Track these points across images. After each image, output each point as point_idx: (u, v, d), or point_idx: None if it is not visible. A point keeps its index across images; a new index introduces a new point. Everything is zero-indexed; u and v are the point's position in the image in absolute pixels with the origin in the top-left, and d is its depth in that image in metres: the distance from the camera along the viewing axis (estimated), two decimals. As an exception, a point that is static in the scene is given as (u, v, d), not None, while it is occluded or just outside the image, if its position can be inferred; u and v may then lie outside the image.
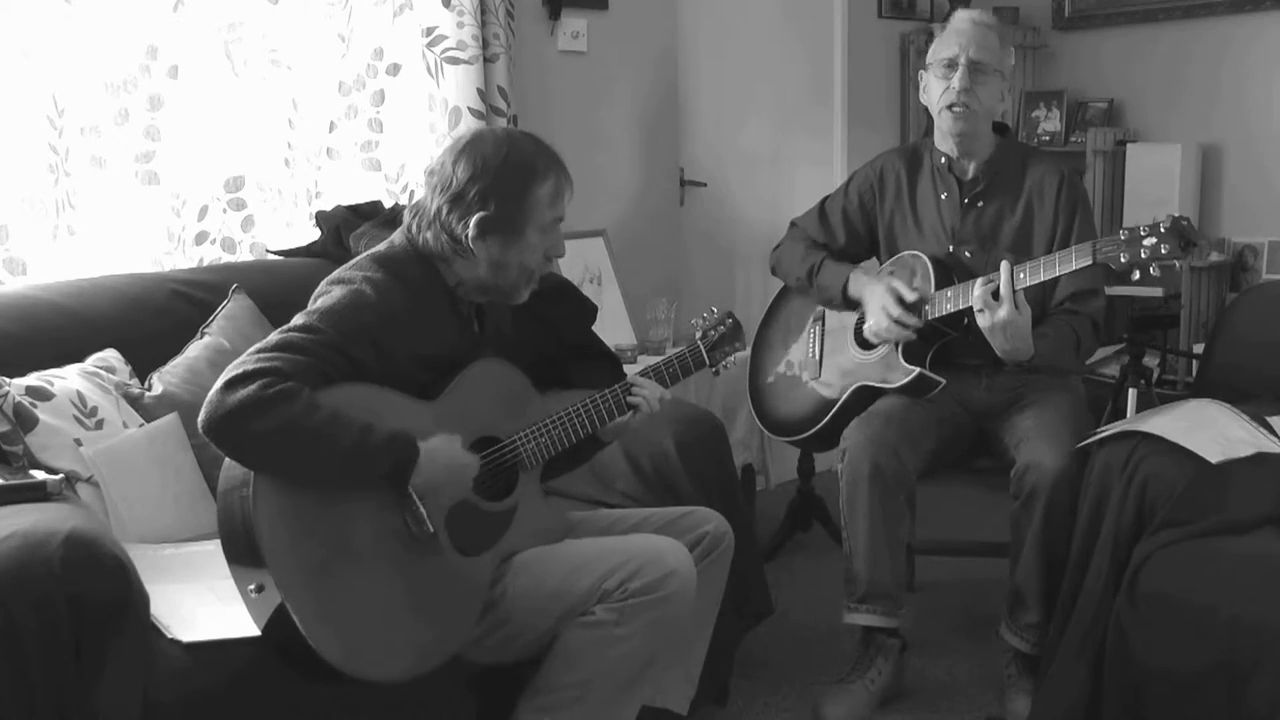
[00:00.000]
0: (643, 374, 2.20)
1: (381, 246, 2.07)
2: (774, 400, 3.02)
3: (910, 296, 2.68)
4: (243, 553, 1.79)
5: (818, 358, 2.94)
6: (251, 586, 1.77)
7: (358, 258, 2.04)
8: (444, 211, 1.99)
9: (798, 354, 3.00)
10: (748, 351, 3.16)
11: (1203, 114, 4.31)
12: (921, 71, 2.84)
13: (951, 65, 2.71)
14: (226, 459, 1.82)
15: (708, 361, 2.29)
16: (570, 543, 2.10)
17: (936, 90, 2.75)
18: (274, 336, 1.86)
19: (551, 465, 2.18)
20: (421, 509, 1.86)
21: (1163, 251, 2.33)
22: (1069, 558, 2.48)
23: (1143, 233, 2.36)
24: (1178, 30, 4.37)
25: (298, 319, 1.90)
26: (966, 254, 2.79)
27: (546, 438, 2.07)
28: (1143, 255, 2.35)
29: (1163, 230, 2.34)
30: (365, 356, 1.89)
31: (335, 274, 2.00)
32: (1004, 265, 2.50)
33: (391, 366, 1.92)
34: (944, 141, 2.81)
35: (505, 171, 1.99)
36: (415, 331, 1.97)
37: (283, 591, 1.73)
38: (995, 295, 2.49)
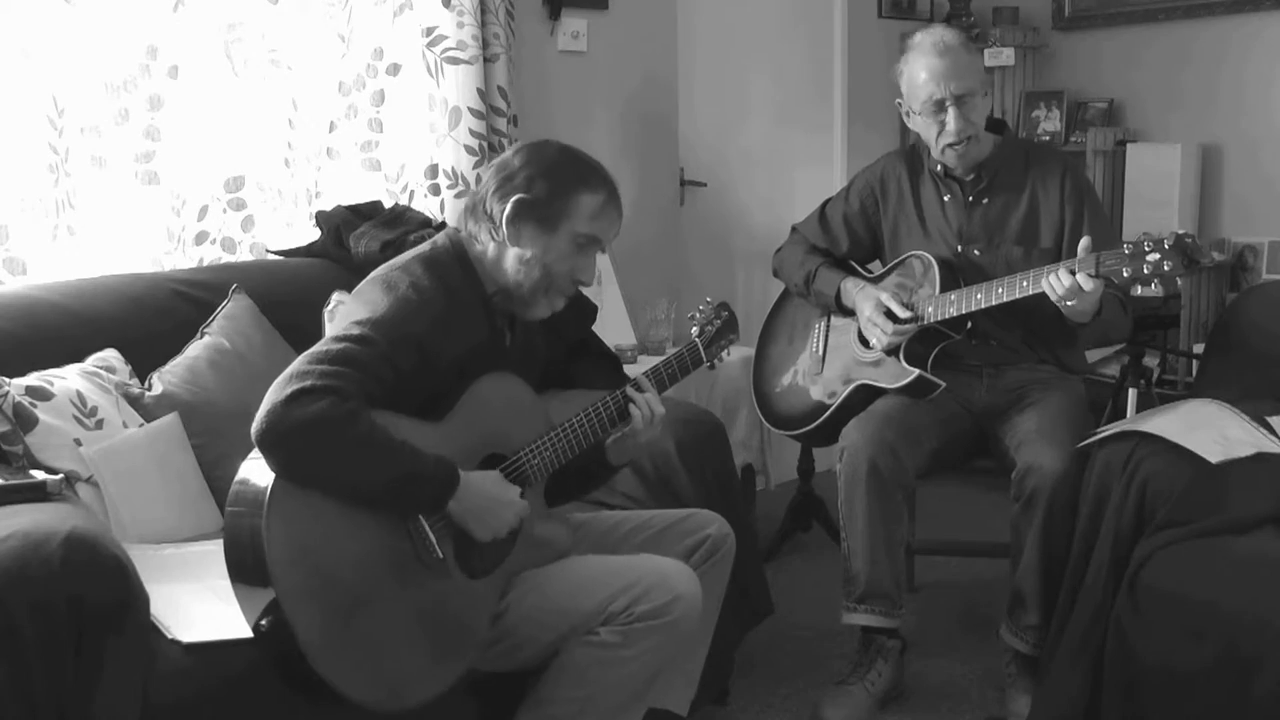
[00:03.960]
0: (645, 374, 2.18)
1: (425, 247, 2.08)
2: (776, 395, 3.03)
3: (903, 314, 2.68)
4: (250, 576, 1.76)
5: (820, 354, 2.94)
6: (263, 621, 1.75)
7: (404, 258, 2.04)
8: (491, 190, 2.02)
9: (802, 350, 3.00)
10: (751, 351, 3.17)
11: (1202, 114, 4.30)
12: (899, 100, 2.80)
13: (940, 107, 2.68)
14: (240, 477, 1.80)
15: (705, 358, 2.28)
16: (577, 560, 2.09)
17: (931, 131, 2.72)
18: (333, 346, 1.84)
19: (564, 489, 2.18)
20: (431, 535, 1.86)
21: (1165, 268, 2.33)
22: (1069, 559, 2.48)
23: (1147, 248, 2.35)
24: (1177, 30, 4.36)
25: (352, 327, 1.88)
26: (976, 252, 2.79)
27: (551, 451, 2.05)
28: (1145, 270, 2.35)
29: (1166, 247, 2.34)
30: (409, 365, 1.88)
31: (381, 275, 2.00)
32: (1083, 246, 2.44)
33: (429, 373, 1.92)
34: (946, 162, 2.79)
35: (558, 168, 2.02)
36: (454, 336, 1.97)
37: (297, 628, 1.71)
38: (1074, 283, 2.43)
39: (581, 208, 2.02)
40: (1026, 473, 2.56)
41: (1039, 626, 2.59)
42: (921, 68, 2.70)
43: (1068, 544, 2.49)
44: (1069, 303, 2.46)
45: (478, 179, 3.19)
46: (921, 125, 2.75)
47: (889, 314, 2.70)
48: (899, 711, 2.73)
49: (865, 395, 2.79)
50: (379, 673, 1.79)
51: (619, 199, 2.08)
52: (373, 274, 2.02)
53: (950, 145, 2.71)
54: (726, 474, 2.67)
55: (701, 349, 2.27)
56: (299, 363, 1.81)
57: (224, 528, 1.82)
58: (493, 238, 2.03)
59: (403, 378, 1.88)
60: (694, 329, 2.29)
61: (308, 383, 1.76)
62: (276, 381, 1.79)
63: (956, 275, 2.72)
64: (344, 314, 1.97)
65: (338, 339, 1.86)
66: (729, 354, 2.36)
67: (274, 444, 1.74)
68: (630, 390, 2.12)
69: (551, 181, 2.00)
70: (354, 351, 1.83)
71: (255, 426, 1.75)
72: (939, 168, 2.82)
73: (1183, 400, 2.75)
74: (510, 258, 2.02)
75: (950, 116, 2.67)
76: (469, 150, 3.24)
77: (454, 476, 1.85)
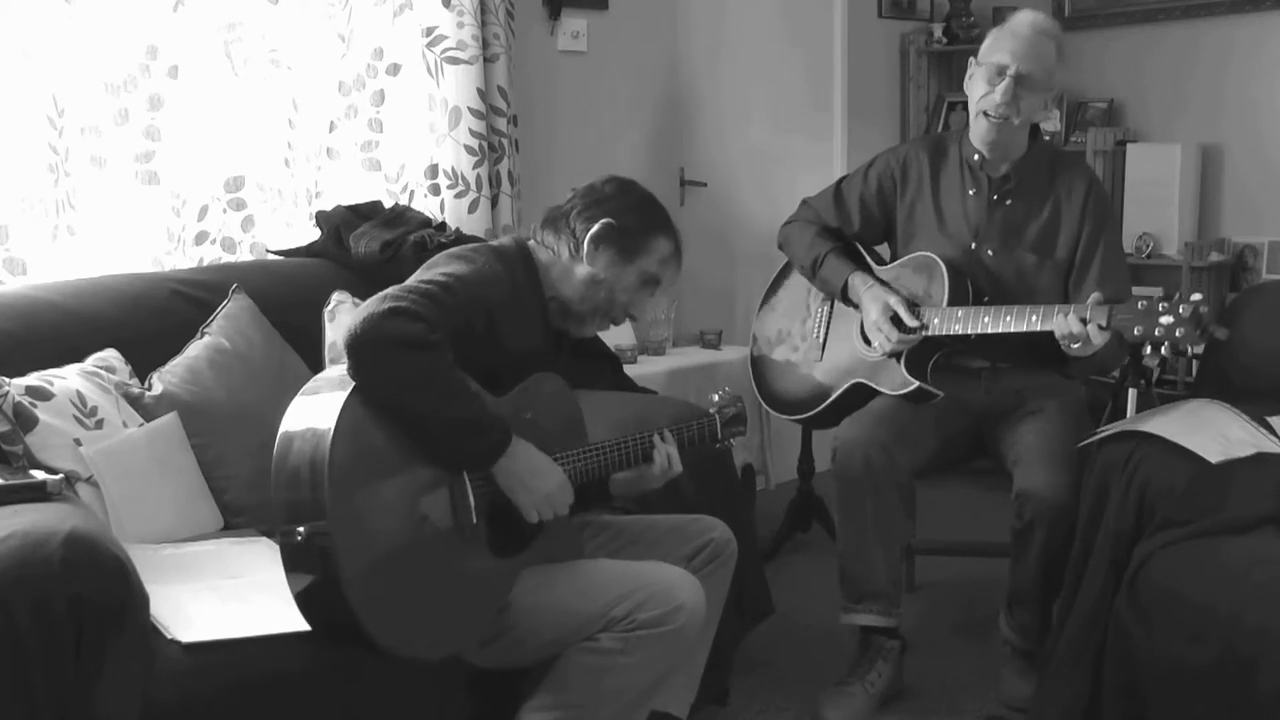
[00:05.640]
0: (669, 430, 2.23)
1: (493, 242, 2.21)
2: (773, 374, 3.02)
3: (911, 323, 2.64)
4: (302, 485, 1.80)
5: (821, 340, 2.92)
6: (300, 529, 1.79)
7: (475, 245, 2.18)
8: (578, 209, 2.15)
9: (802, 331, 2.98)
10: (748, 351, 3.16)
11: (1203, 114, 4.31)
12: (972, 59, 2.77)
13: (1000, 73, 2.64)
14: (277, 464, 1.82)
15: (719, 436, 2.33)
16: (583, 563, 2.11)
17: (978, 92, 2.69)
18: (422, 284, 1.94)
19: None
20: (471, 498, 1.91)
21: (1177, 335, 2.30)
22: (1069, 560, 2.48)
23: (1161, 309, 2.32)
24: (1178, 30, 4.36)
25: (436, 274, 1.99)
26: (989, 252, 2.74)
27: (584, 463, 2.10)
28: (1156, 333, 2.32)
29: (1180, 312, 2.30)
30: (480, 328, 1.98)
31: (457, 251, 2.12)
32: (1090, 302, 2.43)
33: (492, 349, 2.01)
34: (976, 140, 2.75)
35: (644, 207, 2.19)
36: (517, 328, 2.07)
37: (339, 546, 1.76)
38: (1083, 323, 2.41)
39: (657, 249, 2.17)
40: (1025, 500, 2.56)
41: (1034, 626, 2.61)
42: (1007, 34, 2.69)
43: (1068, 553, 2.49)
44: (1073, 346, 2.44)
45: (486, 178, 3.24)
46: (975, 83, 2.71)
47: (895, 320, 2.67)
48: (899, 711, 2.73)
49: (863, 393, 2.78)
50: (395, 610, 1.83)
51: (682, 254, 2.23)
52: (444, 251, 2.13)
53: (986, 113, 2.66)
54: (726, 474, 2.67)
55: (719, 425, 2.33)
56: (392, 290, 1.91)
57: (275, 502, 1.84)
58: (569, 251, 2.14)
59: (472, 339, 1.95)
60: (712, 409, 2.35)
61: (404, 304, 1.86)
62: (369, 301, 1.88)
63: (966, 284, 2.69)
64: (417, 277, 2.03)
65: (425, 280, 1.96)
66: (733, 443, 2.41)
67: (363, 347, 1.82)
68: (656, 438, 2.18)
69: (638, 217, 2.16)
70: (440, 295, 1.93)
71: (349, 333, 1.84)
72: (975, 157, 2.75)
73: (1183, 400, 2.75)
74: (580, 274, 2.14)
75: (1001, 88, 2.63)
76: (469, 150, 3.24)
77: (508, 435, 1.93)
